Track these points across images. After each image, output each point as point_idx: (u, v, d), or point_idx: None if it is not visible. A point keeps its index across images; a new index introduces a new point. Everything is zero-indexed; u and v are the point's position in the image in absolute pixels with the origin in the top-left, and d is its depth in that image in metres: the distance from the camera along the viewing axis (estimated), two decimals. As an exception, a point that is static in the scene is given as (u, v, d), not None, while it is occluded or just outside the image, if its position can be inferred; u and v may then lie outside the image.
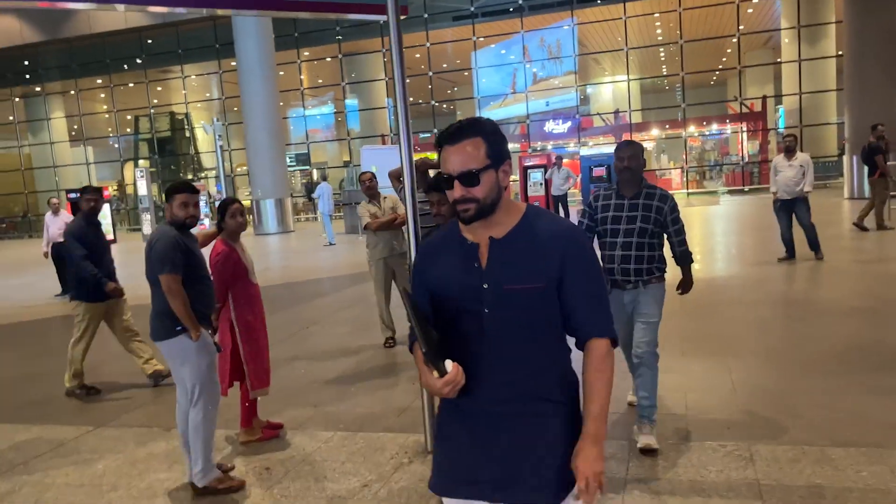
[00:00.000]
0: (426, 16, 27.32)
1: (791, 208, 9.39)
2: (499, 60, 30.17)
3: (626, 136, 27.16)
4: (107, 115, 33.84)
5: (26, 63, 31.94)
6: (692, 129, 28.71)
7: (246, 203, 28.44)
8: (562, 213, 17.07)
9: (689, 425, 4.22)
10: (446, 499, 1.92)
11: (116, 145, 34.44)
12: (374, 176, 6.72)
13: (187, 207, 3.77)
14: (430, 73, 28.97)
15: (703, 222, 16.79)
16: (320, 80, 32.67)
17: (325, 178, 20.48)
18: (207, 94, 33.21)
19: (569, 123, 28.12)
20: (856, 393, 4.51)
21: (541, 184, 19.69)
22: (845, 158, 19.83)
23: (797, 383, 4.80)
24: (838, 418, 4.12)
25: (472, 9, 27.28)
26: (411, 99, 30.78)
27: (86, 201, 5.97)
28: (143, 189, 24.48)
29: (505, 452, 1.79)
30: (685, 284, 4.20)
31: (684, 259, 4.10)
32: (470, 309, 1.81)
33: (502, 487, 1.79)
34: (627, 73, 28.81)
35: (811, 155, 10.92)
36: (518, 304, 1.78)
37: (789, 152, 9.36)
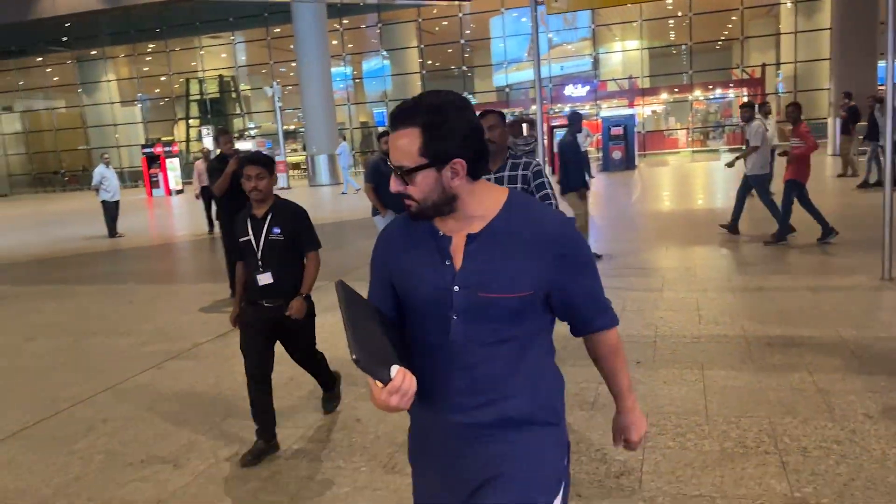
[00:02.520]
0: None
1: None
2: (516, 27, 32.95)
3: (638, 100, 30.18)
4: (163, 78, 36.79)
5: (87, 29, 34.76)
6: (697, 93, 31.57)
7: (300, 158, 31.71)
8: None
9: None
10: None
11: (165, 105, 37.47)
12: None
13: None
14: (462, 41, 31.78)
15: (699, 175, 19.97)
16: (350, 46, 35.49)
17: (343, 138, 23.70)
18: (256, 59, 36.13)
19: (587, 87, 31.02)
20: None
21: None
22: (829, 121, 22.90)
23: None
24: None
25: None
26: (439, 64, 33.75)
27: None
28: (209, 144, 27.65)
29: (472, 480, 1.54)
30: None
31: None
32: (435, 313, 1.52)
33: None
34: (640, 41, 31.64)
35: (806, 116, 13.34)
36: (495, 314, 1.50)
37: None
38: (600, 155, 24.03)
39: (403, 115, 1.47)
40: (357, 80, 36.31)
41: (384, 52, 33.78)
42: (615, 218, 12.21)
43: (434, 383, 1.53)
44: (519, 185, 3.70)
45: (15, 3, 31.25)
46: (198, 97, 36.10)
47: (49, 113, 38.87)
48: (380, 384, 1.34)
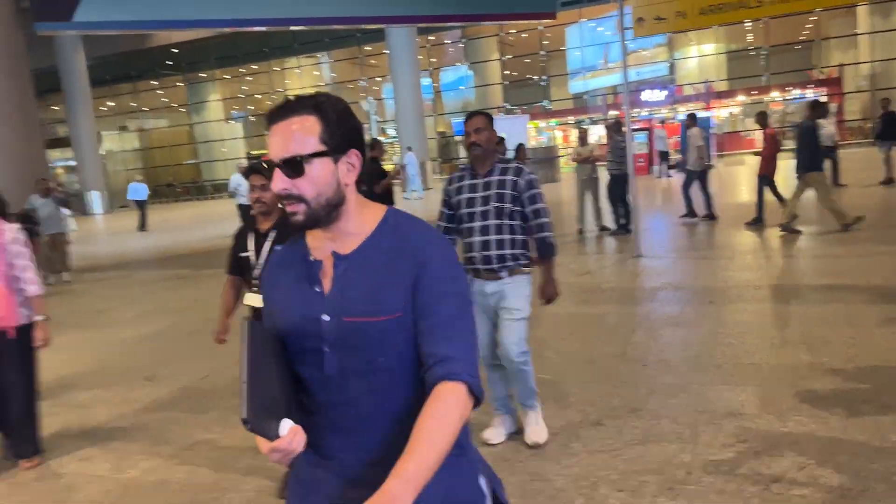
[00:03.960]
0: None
1: None
2: (592, 37, 34.36)
3: (714, 103, 31.10)
4: (258, 96, 40.02)
5: (196, 54, 38.30)
6: (775, 94, 32.18)
7: (389, 167, 34.04)
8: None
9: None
10: None
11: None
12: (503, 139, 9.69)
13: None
14: (542, 53, 33.47)
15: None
16: (433, 60, 37.69)
17: (409, 149, 25.59)
18: (346, 76, 38.87)
19: (665, 92, 32.15)
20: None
21: (645, 143, 24.14)
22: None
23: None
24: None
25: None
26: (516, 74, 35.49)
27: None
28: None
29: None
30: (547, 286, 3.61)
31: (544, 250, 3.54)
32: (309, 347, 1.39)
33: None
34: (717, 45, 32.52)
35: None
36: (366, 342, 1.35)
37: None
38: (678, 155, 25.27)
39: (292, 105, 1.36)
40: (437, 91, 38.47)
41: (467, 65, 35.84)
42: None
43: (317, 419, 1.40)
44: (508, 191, 3.45)
45: (133, 34, 34.96)
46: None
47: (161, 131, 42.76)
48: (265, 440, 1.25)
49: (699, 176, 11.52)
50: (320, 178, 1.35)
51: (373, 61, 37.20)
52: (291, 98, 1.38)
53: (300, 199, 1.35)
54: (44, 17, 12.60)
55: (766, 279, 7.19)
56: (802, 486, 3.08)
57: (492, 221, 3.47)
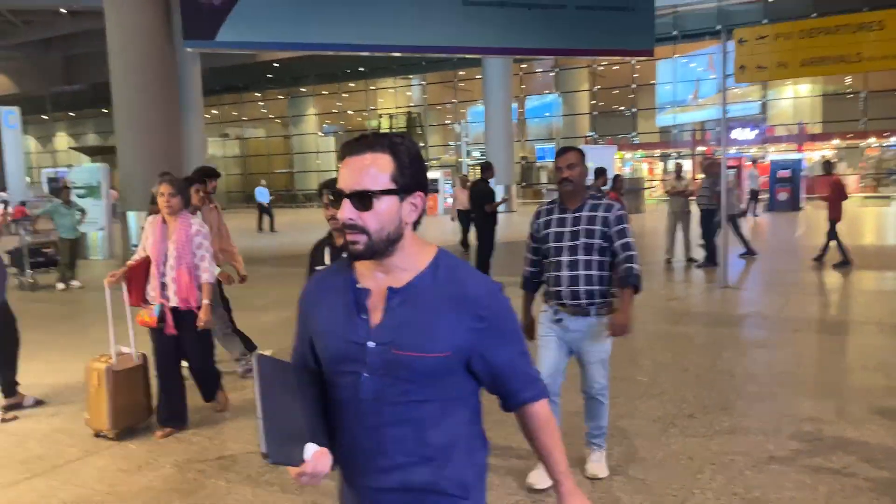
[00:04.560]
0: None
1: None
2: (683, 72, 34.60)
3: (807, 145, 30.79)
4: (350, 112, 41.95)
5: (298, 69, 40.56)
6: (871, 139, 31.60)
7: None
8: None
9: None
10: None
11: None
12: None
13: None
14: (633, 86, 33.99)
15: (866, 219, 20.81)
16: (523, 87, 38.65)
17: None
18: (438, 98, 40.36)
19: (755, 131, 32.08)
20: None
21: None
22: None
23: None
24: None
25: (675, 32, 32.04)
26: (602, 104, 36.05)
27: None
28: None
29: None
30: (618, 319, 3.54)
31: (626, 280, 3.50)
32: (348, 371, 1.49)
33: None
34: (812, 86, 32.22)
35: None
36: (407, 374, 1.46)
37: None
38: (767, 195, 25.27)
39: (369, 141, 1.45)
40: (521, 117, 39.42)
41: (558, 94, 36.70)
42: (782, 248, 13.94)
43: (342, 441, 1.50)
44: (598, 227, 3.46)
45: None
46: (388, 131, 40.85)
47: (259, 140, 45.31)
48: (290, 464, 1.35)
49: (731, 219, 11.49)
50: (386, 213, 1.43)
51: (462, 84, 38.52)
52: (368, 134, 1.48)
53: (363, 230, 1.43)
54: (192, 35, 14.21)
55: (847, 314, 7.66)
56: (867, 477, 3.72)
57: (581, 257, 3.48)
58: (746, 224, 17.57)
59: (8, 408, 5.15)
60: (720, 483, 3.70)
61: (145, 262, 4.70)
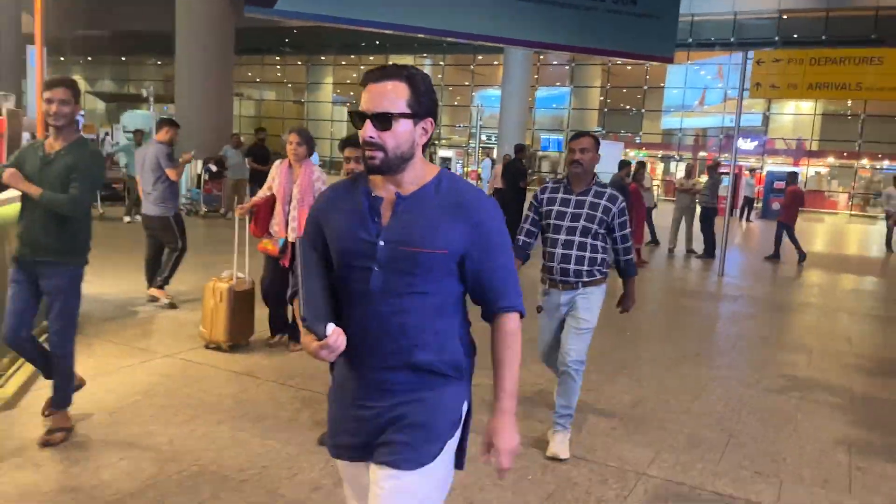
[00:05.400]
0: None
1: None
2: (692, 78, 35.85)
3: (803, 160, 32.22)
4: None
5: (317, 38, 41.45)
6: (864, 161, 33.09)
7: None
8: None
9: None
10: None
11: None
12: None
13: None
14: (645, 87, 35.24)
15: (844, 235, 22.30)
16: (536, 77, 39.81)
17: (487, 156, 27.36)
18: (456, 80, 41.42)
19: (756, 142, 33.49)
20: None
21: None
22: None
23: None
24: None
25: (689, 39, 33.25)
26: (610, 101, 37.32)
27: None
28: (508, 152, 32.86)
29: (381, 423, 1.74)
30: (626, 299, 3.90)
31: (627, 270, 3.82)
32: (360, 265, 1.71)
33: (370, 453, 1.76)
34: (814, 104, 33.61)
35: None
36: (412, 268, 1.68)
37: None
38: (761, 204, 26.77)
39: (389, 71, 1.65)
40: (530, 107, 40.63)
41: (571, 87, 37.93)
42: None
43: (352, 330, 1.68)
44: (599, 214, 3.60)
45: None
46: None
47: (273, 103, 46.25)
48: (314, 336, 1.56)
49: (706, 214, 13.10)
50: (402, 134, 1.64)
51: (475, 69, 39.60)
52: (388, 65, 1.66)
53: (381, 147, 1.64)
54: (254, 1, 15.30)
55: (824, 301, 9.04)
56: (825, 401, 5.10)
57: (577, 238, 3.62)
58: (737, 225, 18.86)
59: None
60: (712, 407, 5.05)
61: (270, 199, 5.39)
